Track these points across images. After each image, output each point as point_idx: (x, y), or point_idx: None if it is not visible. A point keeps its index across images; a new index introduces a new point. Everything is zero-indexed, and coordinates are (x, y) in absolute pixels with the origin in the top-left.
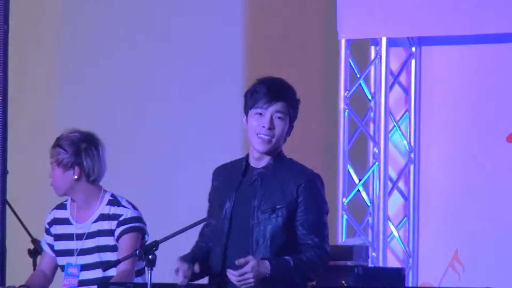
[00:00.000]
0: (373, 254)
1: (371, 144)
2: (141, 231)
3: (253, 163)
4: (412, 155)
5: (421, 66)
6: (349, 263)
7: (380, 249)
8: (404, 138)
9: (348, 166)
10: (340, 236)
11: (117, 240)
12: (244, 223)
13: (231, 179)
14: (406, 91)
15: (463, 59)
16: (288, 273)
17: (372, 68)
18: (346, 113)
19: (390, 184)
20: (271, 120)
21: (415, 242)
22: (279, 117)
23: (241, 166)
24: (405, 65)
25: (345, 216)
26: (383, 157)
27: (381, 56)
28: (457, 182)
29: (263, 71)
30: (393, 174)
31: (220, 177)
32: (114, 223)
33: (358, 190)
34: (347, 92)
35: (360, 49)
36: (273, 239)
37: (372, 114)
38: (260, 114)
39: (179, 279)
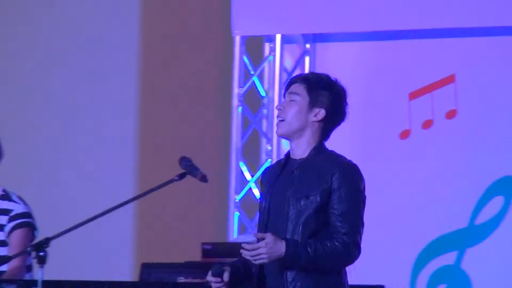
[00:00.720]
0: None
1: (264, 141)
2: (32, 227)
3: (293, 155)
4: None
5: (315, 63)
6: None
7: None
8: None
9: (241, 163)
10: (232, 233)
11: (8, 235)
12: (281, 211)
13: (273, 175)
14: None
15: (357, 56)
16: (304, 257)
17: (266, 65)
18: (239, 110)
19: None
20: (284, 103)
21: None
22: (291, 100)
23: (282, 162)
24: (299, 61)
25: (237, 213)
26: (275, 154)
27: (275, 53)
28: None
29: (159, 67)
30: None
31: (265, 177)
32: (5, 218)
33: (250, 187)
34: (240, 89)
35: (254, 46)
36: (305, 225)
37: (265, 111)
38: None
39: None
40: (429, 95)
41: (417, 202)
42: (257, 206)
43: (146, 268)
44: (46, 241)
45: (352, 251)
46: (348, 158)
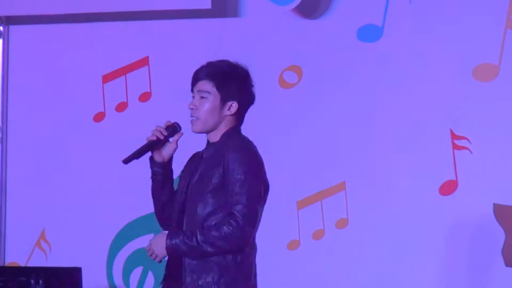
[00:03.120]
0: None
1: None
2: None
3: (209, 139)
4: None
5: (9, 45)
6: None
7: None
8: None
9: None
10: None
11: None
12: (185, 194)
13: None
14: None
15: (50, 38)
16: (186, 247)
17: None
18: None
19: None
20: (195, 101)
21: (1, 220)
22: (202, 97)
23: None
24: None
25: None
26: None
27: None
28: (45, 161)
29: None
30: None
31: (189, 160)
32: None
33: None
34: None
35: None
36: (201, 207)
37: None
38: (193, 97)
39: (152, 135)
40: (123, 77)
41: (113, 184)
42: None
43: None
44: None
45: (237, 233)
46: (40, 141)
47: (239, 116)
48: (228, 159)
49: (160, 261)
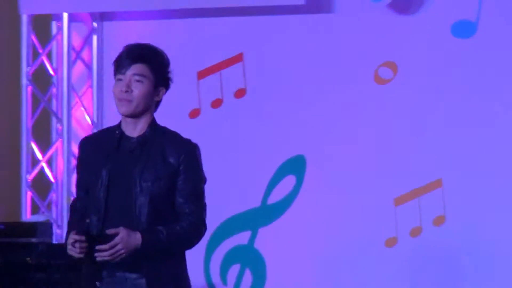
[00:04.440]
0: (58, 231)
1: (54, 120)
2: None
3: (128, 131)
4: (94, 131)
5: (103, 42)
6: (33, 240)
7: (64, 226)
8: (87, 114)
9: (32, 142)
10: (24, 213)
11: None
12: (126, 192)
13: (104, 148)
14: (89, 66)
15: (145, 34)
16: (159, 244)
17: (54, 43)
18: (28, 89)
19: (74, 160)
20: (129, 83)
21: None
22: (137, 80)
23: (114, 135)
24: (87, 40)
25: (29, 193)
26: (66, 133)
27: (62, 32)
28: None
29: None
30: (76, 149)
31: (89, 147)
32: None
33: (42, 167)
34: (29, 67)
35: (42, 25)
36: (155, 208)
37: (55, 90)
38: (120, 80)
39: (76, 252)
40: (218, 74)
41: (208, 182)
42: (49, 186)
43: None
44: None
45: (199, 230)
46: None
47: (158, 104)
48: (182, 159)
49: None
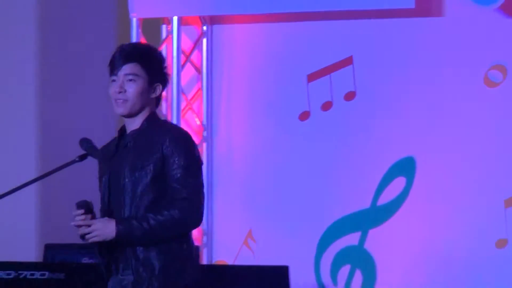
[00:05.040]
0: None
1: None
2: None
3: (128, 129)
4: (205, 134)
5: (213, 45)
6: None
7: None
8: (197, 116)
9: None
10: None
11: None
12: (118, 185)
13: (110, 151)
14: (198, 70)
15: (255, 38)
16: (139, 233)
17: (164, 47)
18: None
19: None
20: (122, 83)
21: (209, 219)
22: (129, 79)
23: (116, 139)
24: (196, 44)
25: None
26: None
27: (172, 35)
28: (251, 160)
29: (56, 51)
30: None
31: (101, 156)
32: None
33: None
34: None
35: (152, 28)
36: (142, 197)
37: (164, 93)
38: (114, 80)
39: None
40: (328, 77)
41: (319, 183)
42: None
43: (50, 249)
44: None
45: (191, 216)
46: (245, 140)
47: (158, 99)
48: (167, 145)
49: (95, 243)
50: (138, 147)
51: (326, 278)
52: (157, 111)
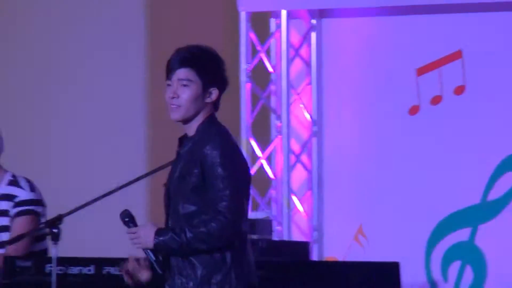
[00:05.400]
0: (278, 227)
1: (273, 117)
2: (36, 215)
3: (188, 133)
4: (314, 128)
5: (322, 39)
6: (253, 237)
7: (285, 223)
8: (306, 111)
9: (251, 139)
10: None
11: (12, 221)
12: (169, 193)
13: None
14: (307, 63)
15: (363, 32)
16: (175, 245)
17: (273, 41)
18: (247, 86)
19: (293, 157)
20: (176, 89)
21: (319, 215)
22: (183, 85)
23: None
24: (305, 37)
25: None
26: (285, 130)
27: (281, 29)
28: (360, 154)
29: (165, 44)
30: (296, 147)
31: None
32: (11, 204)
33: (261, 164)
34: (247, 65)
35: (260, 22)
36: (183, 207)
37: (273, 87)
38: (169, 85)
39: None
40: (437, 70)
41: (428, 178)
42: (269, 183)
43: None
44: (59, 218)
45: (226, 229)
46: (354, 134)
47: (216, 103)
48: (206, 155)
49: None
50: (187, 154)
51: (436, 274)
52: (215, 114)
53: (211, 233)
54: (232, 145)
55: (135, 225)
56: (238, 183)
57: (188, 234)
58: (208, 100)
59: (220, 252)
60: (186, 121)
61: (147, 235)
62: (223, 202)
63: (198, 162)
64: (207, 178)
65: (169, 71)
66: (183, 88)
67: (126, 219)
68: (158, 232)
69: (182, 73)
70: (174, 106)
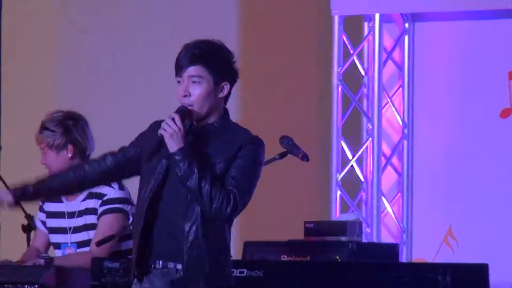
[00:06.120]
0: (367, 229)
1: (364, 120)
2: (123, 213)
3: (198, 122)
4: (405, 131)
5: (414, 42)
6: (342, 238)
7: (374, 225)
8: (397, 113)
9: (342, 142)
10: (334, 212)
11: (98, 219)
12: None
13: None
14: (399, 67)
15: (456, 35)
16: (194, 171)
17: (366, 44)
18: (339, 89)
19: (383, 160)
20: (187, 86)
21: (409, 217)
22: (194, 81)
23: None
24: (398, 41)
25: (338, 192)
26: (376, 133)
27: (374, 32)
28: (451, 157)
29: (259, 47)
30: (386, 149)
31: (156, 129)
32: (99, 202)
33: (352, 166)
34: (340, 68)
35: (353, 25)
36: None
37: (365, 90)
38: (179, 82)
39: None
40: None
41: None
42: (359, 185)
43: (249, 246)
44: None
45: (229, 202)
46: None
47: (227, 96)
48: (241, 147)
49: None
50: (211, 145)
51: None
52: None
53: (220, 196)
54: (264, 148)
55: (182, 124)
56: (253, 182)
57: (208, 176)
58: (220, 95)
59: (223, 230)
60: (200, 119)
61: (179, 137)
62: (237, 184)
63: (229, 152)
64: (234, 163)
65: (179, 68)
66: (195, 85)
67: (182, 111)
68: (189, 151)
69: (193, 70)
70: (188, 104)
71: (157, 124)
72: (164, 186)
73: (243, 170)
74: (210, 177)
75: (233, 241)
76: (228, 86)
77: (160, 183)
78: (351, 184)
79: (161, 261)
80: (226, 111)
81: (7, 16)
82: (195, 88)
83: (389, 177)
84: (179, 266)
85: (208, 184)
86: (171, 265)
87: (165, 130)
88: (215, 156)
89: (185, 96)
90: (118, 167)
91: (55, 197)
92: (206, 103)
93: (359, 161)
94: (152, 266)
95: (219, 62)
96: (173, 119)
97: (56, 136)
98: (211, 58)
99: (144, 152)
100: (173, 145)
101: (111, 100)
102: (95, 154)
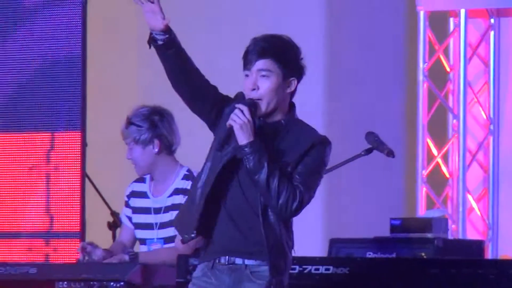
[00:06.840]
0: (453, 226)
1: (450, 116)
2: None
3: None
4: (491, 127)
5: (500, 38)
6: (428, 235)
7: (460, 222)
8: (483, 110)
9: (427, 138)
10: (420, 208)
11: None
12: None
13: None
14: (485, 63)
15: None
16: (264, 166)
17: (451, 40)
18: (425, 85)
19: (469, 156)
20: (255, 80)
21: (494, 214)
22: (262, 75)
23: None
24: (484, 37)
25: (424, 189)
26: (462, 129)
27: (459, 28)
28: None
29: (345, 44)
30: (472, 146)
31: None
32: (185, 198)
33: (438, 163)
34: (425, 64)
35: (438, 21)
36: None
37: (451, 86)
38: (247, 75)
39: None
40: None
41: None
42: (445, 182)
43: (335, 243)
44: None
45: (295, 199)
46: None
47: (293, 93)
48: (313, 146)
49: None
50: (281, 142)
51: None
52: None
53: (288, 191)
54: (329, 142)
55: (251, 117)
56: (317, 182)
57: (276, 171)
58: (288, 90)
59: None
60: (267, 113)
61: (250, 130)
62: (304, 185)
63: (300, 149)
64: (303, 161)
65: (248, 62)
66: (263, 79)
67: (250, 103)
68: (260, 145)
69: (262, 63)
70: (256, 98)
71: (241, 97)
72: (233, 178)
73: (310, 169)
74: (278, 172)
75: (318, 238)
76: (296, 81)
77: (222, 176)
78: (437, 181)
79: (227, 257)
80: (293, 107)
81: (92, 14)
82: (263, 82)
83: (474, 173)
84: (249, 262)
85: (277, 179)
86: (239, 261)
87: (235, 121)
88: (284, 153)
89: (253, 89)
90: (208, 94)
91: (178, 60)
92: (274, 98)
93: (445, 158)
94: (217, 261)
95: (288, 56)
96: (241, 111)
97: (142, 131)
98: (280, 52)
99: (216, 115)
100: (243, 137)
101: None
102: (181, 149)
